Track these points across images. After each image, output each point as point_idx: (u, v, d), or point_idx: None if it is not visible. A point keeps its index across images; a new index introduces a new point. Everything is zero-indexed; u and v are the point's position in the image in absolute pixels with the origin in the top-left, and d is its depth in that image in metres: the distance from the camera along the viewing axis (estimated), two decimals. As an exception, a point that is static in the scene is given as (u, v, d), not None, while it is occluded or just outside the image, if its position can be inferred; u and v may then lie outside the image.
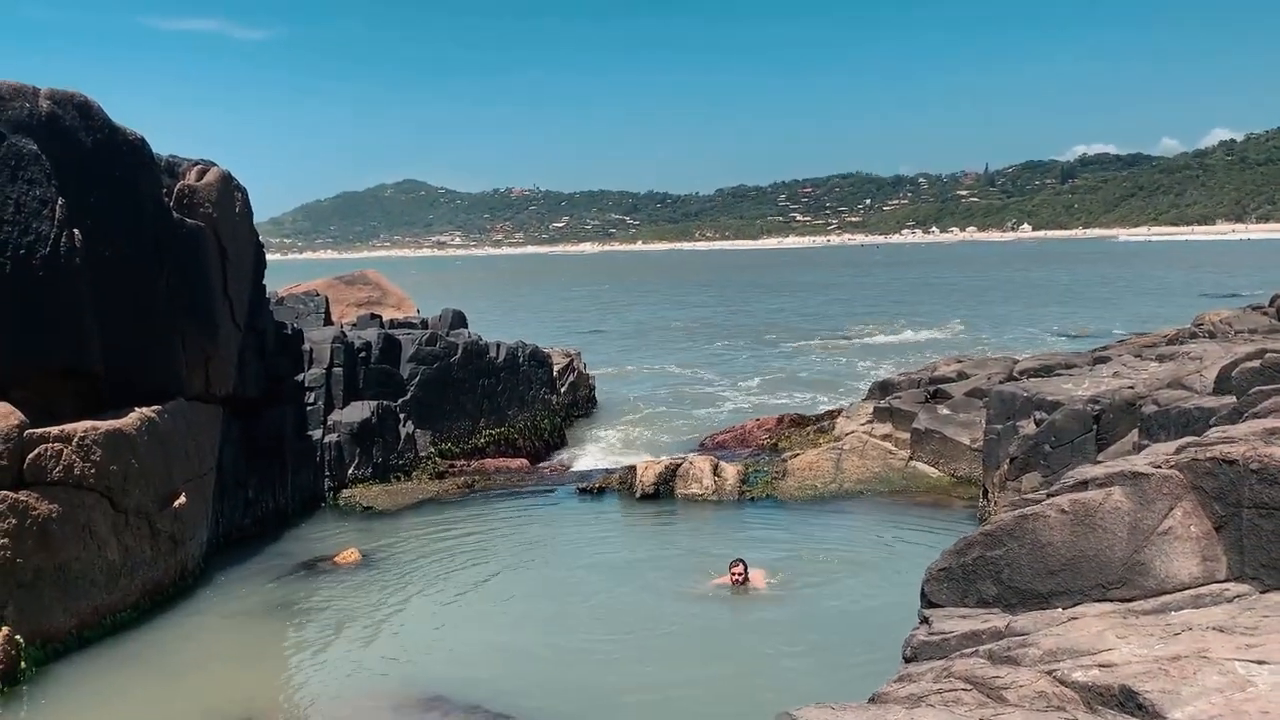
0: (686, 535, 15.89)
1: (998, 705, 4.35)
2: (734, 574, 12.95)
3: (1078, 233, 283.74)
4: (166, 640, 12.07)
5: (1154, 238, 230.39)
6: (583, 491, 18.83)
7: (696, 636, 11.56)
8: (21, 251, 11.81)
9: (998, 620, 6.12)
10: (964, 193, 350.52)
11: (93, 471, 12.05)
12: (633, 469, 18.76)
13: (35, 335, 11.98)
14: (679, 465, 18.58)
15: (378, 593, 13.51)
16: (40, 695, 10.65)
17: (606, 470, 20.06)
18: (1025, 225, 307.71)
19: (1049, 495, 6.68)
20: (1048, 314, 56.31)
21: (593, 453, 24.21)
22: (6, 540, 10.96)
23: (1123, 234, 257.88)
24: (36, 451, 11.48)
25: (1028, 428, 15.19)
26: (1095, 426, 14.29)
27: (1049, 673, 4.65)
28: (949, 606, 6.75)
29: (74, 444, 11.91)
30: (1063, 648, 4.94)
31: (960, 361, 23.61)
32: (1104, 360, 19.40)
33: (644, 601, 12.73)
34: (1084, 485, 6.44)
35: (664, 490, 18.15)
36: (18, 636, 10.97)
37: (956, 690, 4.64)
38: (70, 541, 11.73)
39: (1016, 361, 22.19)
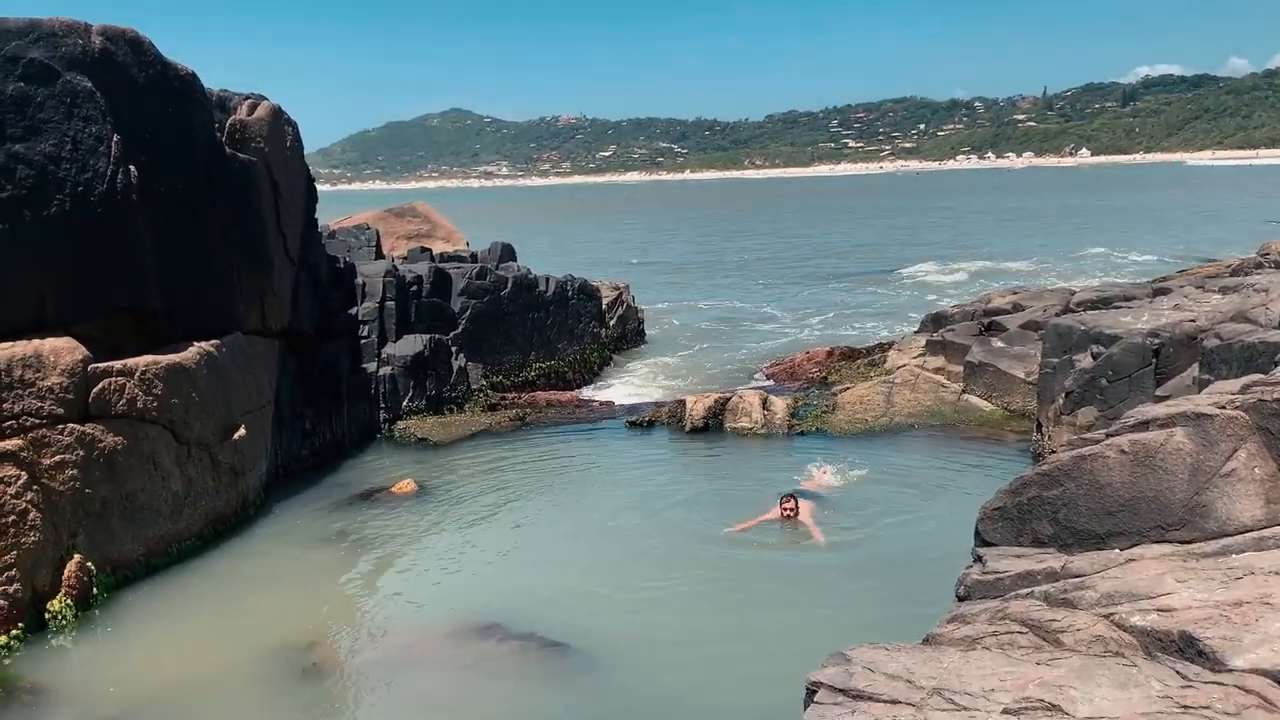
0: (736, 469, 15.95)
1: (1054, 649, 4.34)
2: (785, 508, 13.00)
3: (1138, 158, 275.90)
4: (230, 568, 12.44)
5: (1219, 162, 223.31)
6: (632, 425, 18.94)
7: (747, 571, 11.65)
8: (80, 189, 11.96)
9: (1053, 560, 6.08)
10: (1021, 117, 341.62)
11: (155, 405, 12.34)
12: (682, 403, 18.81)
13: (95, 272, 12.18)
14: (728, 399, 18.59)
15: (433, 523, 13.78)
16: (112, 619, 11.06)
17: (656, 404, 20.13)
18: (1084, 150, 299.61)
19: (1108, 435, 6.58)
20: (1106, 242, 55.02)
21: (641, 386, 24.26)
22: (75, 472, 11.30)
23: (1187, 158, 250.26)
24: (101, 385, 11.77)
25: (1084, 361, 14.95)
26: (1154, 361, 14.03)
27: (1106, 616, 4.63)
28: (1003, 545, 6.72)
29: (136, 378, 12.19)
30: (1121, 590, 4.91)
31: (1015, 294, 23.23)
32: (1164, 292, 18.98)
33: (694, 534, 12.83)
34: (1145, 425, 6.33)
35: (713, 424, 18.20)
36: (89, 564, 11.37)
37: (1012, 632, 4.64)
38: (136, 473, 12.06)
39: (1073, 293, 21.78)
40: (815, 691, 4.32)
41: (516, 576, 11.94)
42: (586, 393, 22.95)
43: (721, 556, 12.09)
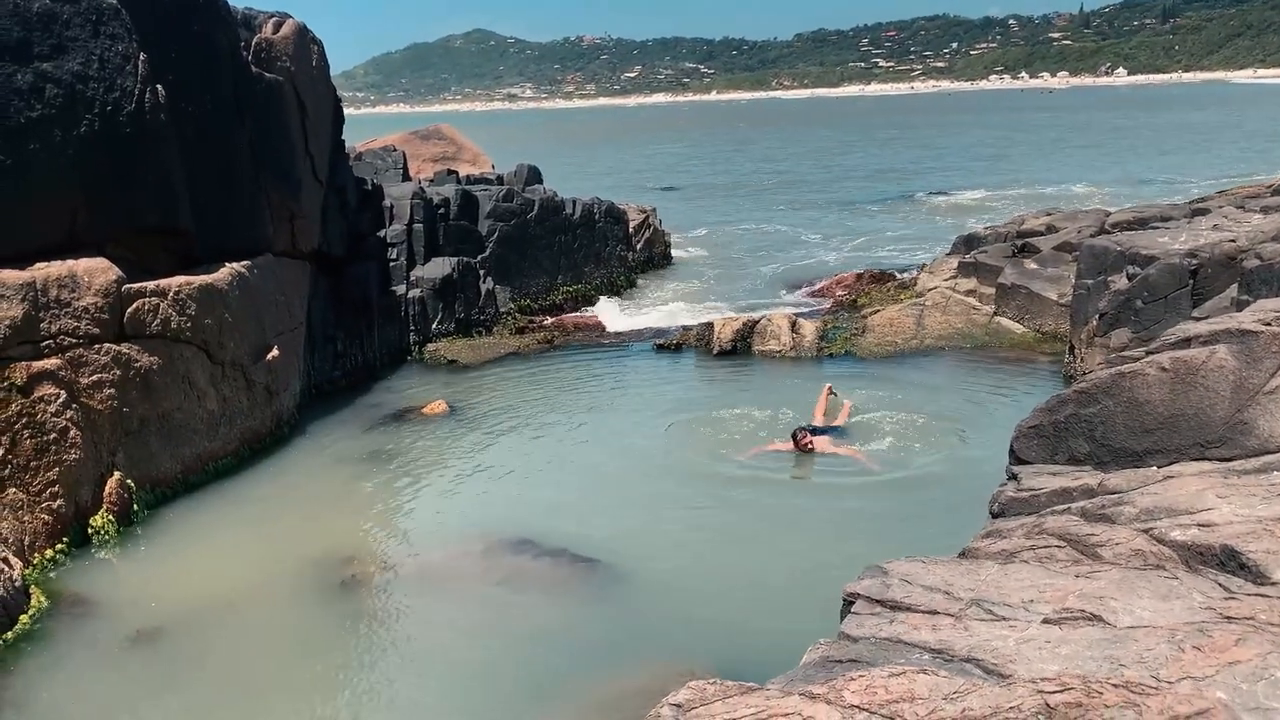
0: (765, 391, 15.94)
1: (1093, 562, 4.34)
2: (802, 443, 12.68)
3: (1177, 76, 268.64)
4: (266, 486, 12.64)
5: (1262, 80, 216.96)
6: (660, 348, 18.94)
7: (776, 492, 11.71)
8: (108, 108, 11.92)
9: (1089, 478, 6.06)
10: (1056, 35, 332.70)
11: (189, 325, 12.44)
12: (710, 326, 18.76)
13: (127, 192, 12.19)
14: (756, 322, 18.52)
15: (464, 442, 13.92)
16: (152, 535, 11.31)
17: (684, 327, 20.09)
18: (1121, 69, 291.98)
19: (1148, 353, 6.51)
20: (1143, 163, 53.91)
21: (668, 309, 24.18)
22: (113, 390, 11.45)
23: (1229, 76, 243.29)
24: (135, 306, 11.86)
25: (1119, 282, 14.75)
26: (1191, 281, 13.81)
27: (1146, 531, 4.62)
28: (1038, 463, 6.71)
29: (169, 298, 12.27)
30: (1160, 506, 4.88)
31: (1049, 215, 22.86)
32: (1203, 212, 18.62)
33: (722, 455, 12.88)
34: (1186, 343, 6.25)
35: (741, 347, 18.16)
36: (129, 481, 11.59)
37: (1050, 546, 4.64)
38: (172, 392, 12.21)
39: (1108, 214, 21.42)
40: (852, 603, 4.35)
41: (547, 495, 12.07)
42: (613, 315, 22.87)
43: (751, 478, 12.16)
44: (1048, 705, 2.42)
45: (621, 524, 11.02)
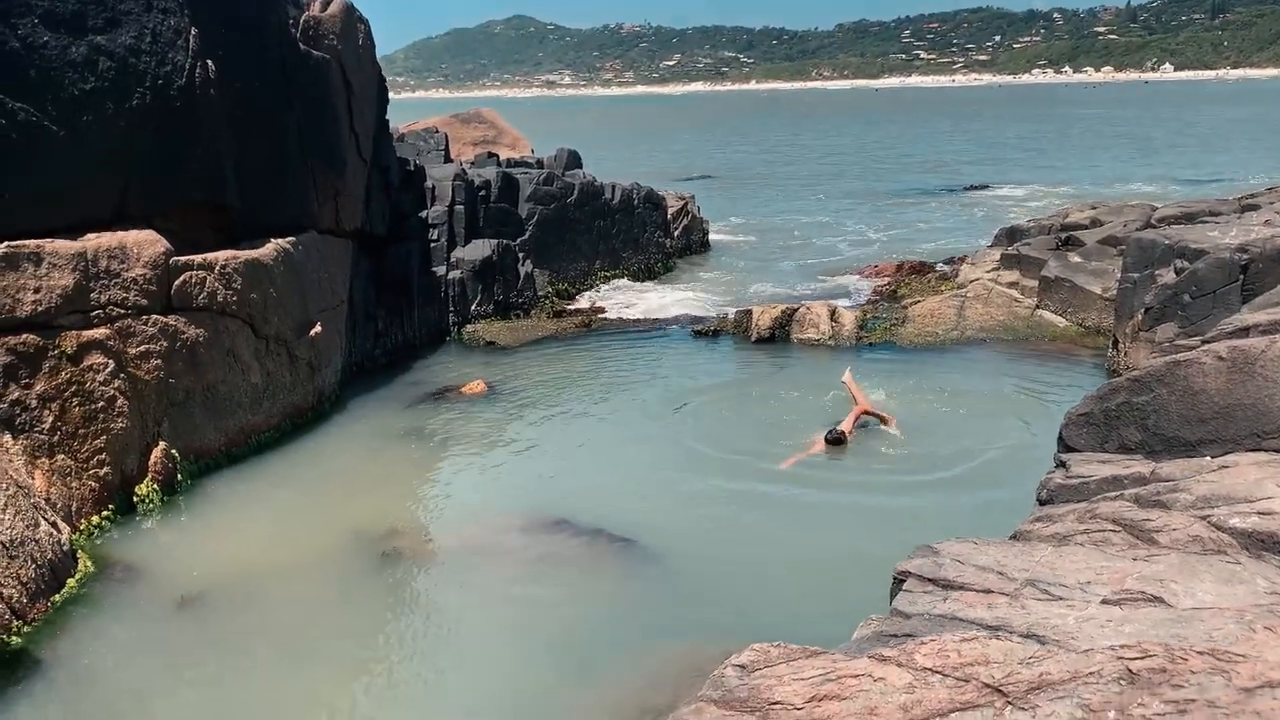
0: (803, 378, 15.88)
1: (1150, 547, 4.29)
2: (840, 434, 12.41)
3: (1224, 73, 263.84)
4: (308, 459, 12.77)
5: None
6: (698, 334, 18.91)
7: (814, 478, 11.67)
8: (159, 82, 12.04)
9: (1141, 466, 5.99)
10: (1102, 29, 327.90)
11: (234, 299, 12.57)
12: (748, 312, 18.71)
13: (175, 166, 12.33)
14: (795, 310, 18.45)
15: (503, 422, 13.98)
16: (196, 505, 11.46)
17: (724, 310, 20.05)
18: (1167, 65, 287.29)
19: (1204, 342, 6.42)
20: (1189, 159, 53.07)
21: (706, 296, 24.12)
22: (160, 361, 11.60)
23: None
24: (182, 278, 12.00)
25: (1167, 276, 14.53)
26: (1242, 277, 13.57)
27: (1203, 518, 4.56)
28: (1088, 451, 6.64)
29: (216, 272, 12.40)
30: (1217, 494, 4.82)
31: (1094, 208, 22.58)
32: (1253, 208, 18.31)
33: (760, 439, 12.85)
34: (1244, 331, 6.16)
35: (780, 334, 18.10)
36: (174, 451, 11.75)
37: (1104, 530, 4.59)
38: (216, 364, 12.36)
39: (1155, 209, 21.11)
40: (903, 581, 4.33)
41: (584, 475, 12.11)
42: (648, 301, 22.83)
43: (784, 456, 12.11)
44: (1130, 670, 2.40)
45: (658, 506, 11.03)
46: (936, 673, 2.63)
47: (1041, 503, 6.32)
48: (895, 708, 2.52)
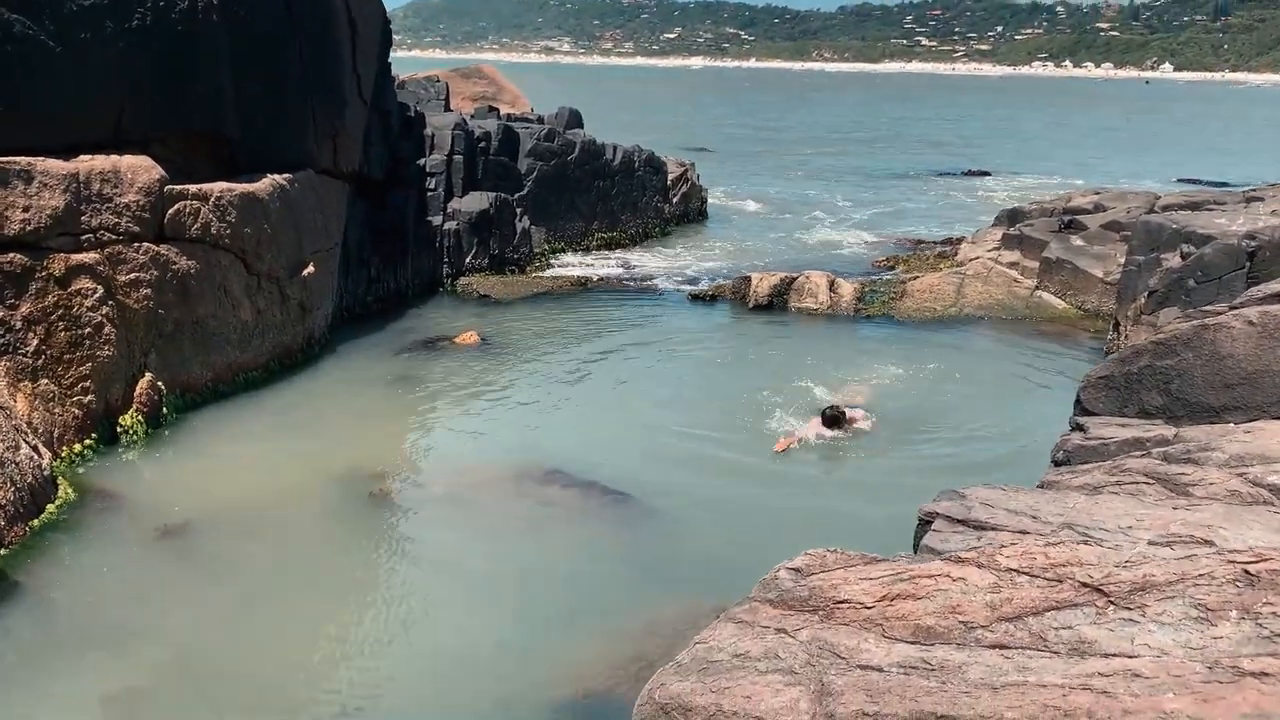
0: (798, 346, 15.71)
1: (1187, 499, 4.13)
2: (846, 420, 11.71)
3: (1223, 75, 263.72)
4: (296, 400, 12.53)
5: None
6: (694, 298, 18.72)
7: (812, 447, 11.52)
8: (161, 3, 11.69)
9: (1163, 430, 5.84)
10: (1104, 25, 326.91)
11: (228, 232, 12.28)
12: (747, 279, 18.50)
13: (174, 91, 12.00)
14: (794, 279, 18.25)
15: (496, 373, 13.77)
16: (180, 439, 11.22)
17: (720, 278, 19.84)
18: (1166, 65, 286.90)
19: (1232, 307, 6.26)
20: (1187, 158, 52.97)
21: (701, 263, 23.87)
22: (149, 291, 11.33)
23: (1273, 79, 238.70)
24: (176, 207, 11.70)
25: (1172, 261, 14.40)
26: (1248, 264, 13.46)
27: (1239, 475, 4.40)
28: (1106, 415, 6.48)
29: (210, 203, 12.10)
30: (1251, 453, 4.67)
31: (1097, 194, 22.42)
32: (1258, 200, 18.20)
33: (752, 403, 12.66)
34: (1275, 297, 6.00)
35: (777, 302, 17.91)
36: (160, 383, 11.50)
37: (1137, 483, 4.43)
38: (207, 298, 12.09)
39: (1159, 197, 20.99)
40: (929, 522, 4.16)
41: (577, 429, 11.92)
42: (645, 264, 22.59)
43: (782, 428, 11.95)
44: (1246, 573, 2.25)
45: (651, 463, 10.86)
46: (1024, 573, 2.47)
47: (1057, 463, 6.16)
48: (981, 606, 2.36)
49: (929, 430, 11.90)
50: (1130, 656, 2.04)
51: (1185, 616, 2.24)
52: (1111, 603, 2.33)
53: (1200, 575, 2.34)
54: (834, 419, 11.66)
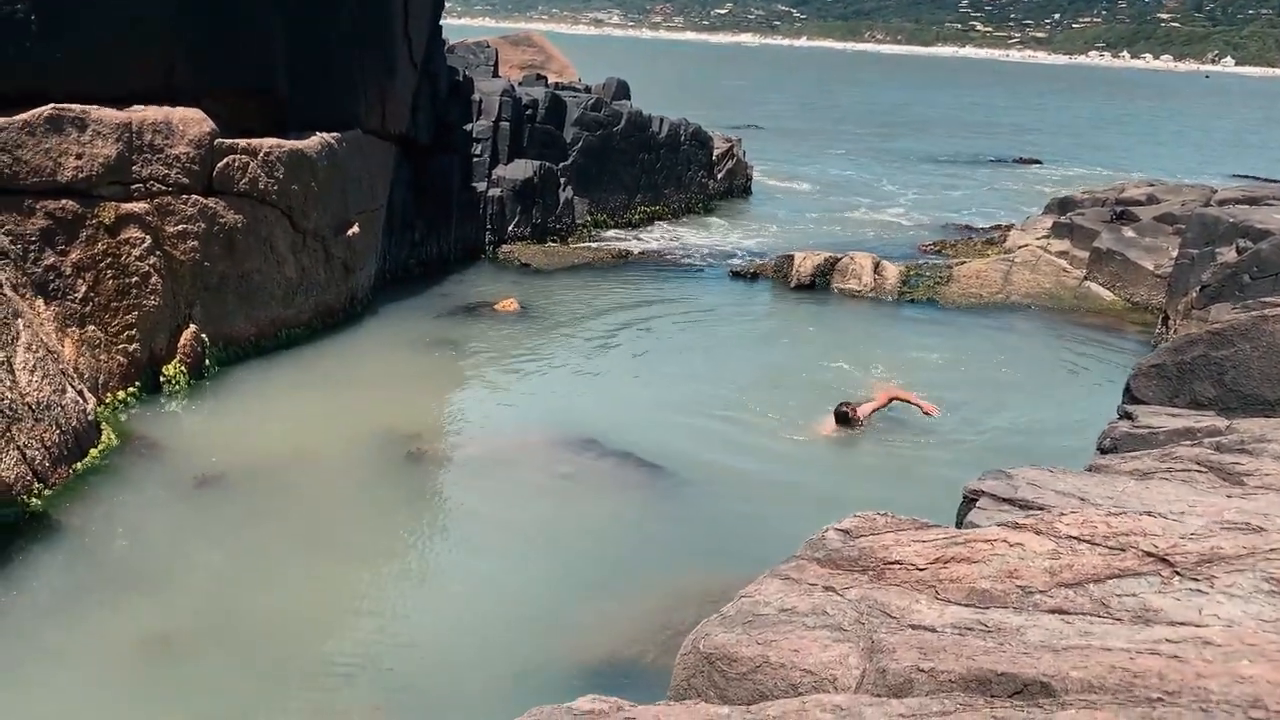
0: (840, 327, 15.58)
1: (1242, 488, 4.03)
2: (852, 417, 10.96)
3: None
4: (336, 358, 12.61)
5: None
6: (735, 275, 18.61)
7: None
8: (217, -43, 11.72)
9: (1215, 421, 5.72)
10: (1165, 16, 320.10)
11: (275, 188, 12.34)
12: (790, 258, 18.34)
13: (226, 47, 12.03)
14: (838, 259, 18.08)
15: (535, 341, 13.78)
16: (222, 390, 11.34)
17: (762, 256, 19.71)
18: (1228, 58, 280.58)
19: (1293, 299, 6.09)
20: (1246, 154, 51.85)
21: (744, 242, 23.71)
22: (196, 243, 11.42)
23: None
24: (225, 161, 11.77)
25: (1228, 255, 14.09)
26: (1307, 262, 13.15)
27: (1296, 467, 4.29)
28: (1156, 405, 6.36)
29: (259, 158, 12.16)
30: (1309, 446, 4.54)
31: (1151, 185, 22.01)
32: (1320, 197, 17.77)
33: (794, 382, 12.59)
34: (1340, 291, 5.82)
35: (820, 283, 17.75)
36: (203, 335, 11.61)
37: (1189, 470, 4.33)
38: (253, 253, 12.17)
39: (1215, 191, 20.54)
40: (974, 500, 4.09)
41: (614, 400, 11.91)
42: (687, 239, 22.48)
43: (820, 407, 11.84)
44: None
45: (688, 437, 10.81)
46: (1084, 541, 2.41)
47: (1103, 451, 6.05)
48: (1040, 571, 2.30)
49: (971, 417, 11.76)
50: (1199, 626, 1.97)
51: (1256, 590, 2.16)
52: (1177, 573, 2.26)
53: (1271, 550, 2.27)
54: (843, 416, 10.94)
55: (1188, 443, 5.30)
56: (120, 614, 7.19)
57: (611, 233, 21.66)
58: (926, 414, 11.32)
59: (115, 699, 6.40)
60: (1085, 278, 17.76)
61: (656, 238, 21.83)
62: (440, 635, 7.13)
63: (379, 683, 6.54)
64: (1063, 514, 2.62)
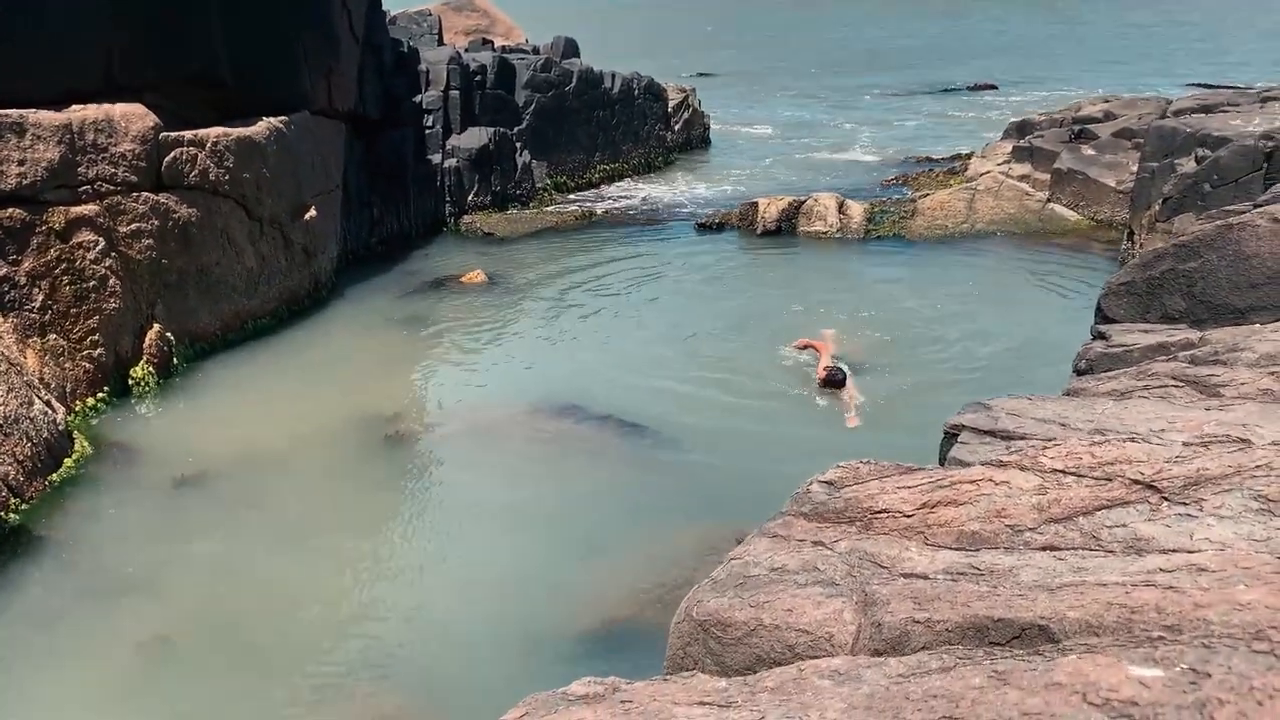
0: (808, 271, 15.55)
1: (1219, 400, 4.03)
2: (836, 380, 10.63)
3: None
4: (306, 345, 12.48)
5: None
6: (701, 227, 18.50)
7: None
8: (143, -55, 11.40)
9: (1188, 334, 5.73)
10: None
11: (226, 177, 12.12)
12: (754, 205, 18.26)
13: (165, 37, 11.76)
14: (802, 202, 18.02)
15: (505, 311, 13.67)
16: (192, 388, 11.20)
17: (727, 205, 19.60)
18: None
19: (1256, 206, 6.11)
20: (1197, 62, 51.94)
21: (706, 191, 23.59)
22: (151, 241, 11.22)
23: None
24: (173, 154, 11.54)
25: (1187, 165, 14.15)
26: (1265, 165, 13.21)
27: (1271, 374, 4.30)
28: (1127, 322, 6.37)
29: (207, 149, 11.93)
30: (1281, 352, 4.55)
31: (1107, 101, 22.00)
32: (1274, 99, 17.81)
33: (766, 332, 12.57)
34: (1302, 194, 5.83)
35: (786, 227, 17.70)
36: (168, 334, 11.44)
37: (1165, 386, 4.33)
38: (210, 245, 11.97)
39: (1170, 102, 20.56)
40: (955, 435, 4.07)
41: (590, 365, 11.84)
42: (650, 195, 22.33)
43: (794, 358, 11.85)
44: None
45: (665, 394, 10.79)
46: (1070, 474, 2.40)
47: (1079, 373, 6.06)
48: (1028, 508, 2.28)
49: (945, 350, 11.80)
50: (1191, 552, 1.96)
51: (1245, 509, 2.15)
52: (1165, 499, 2.25)
53: (1258, 467, 2.26)
54: (831, 382, 10.62)
55: (1163, 358, 5.31)
56: (111, 619, 7.13)
57: (573, 195, 21.46)
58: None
59: (113, 703, 6.36)
60: (1048, 200, 17.79)
61: (619, 196, 21.66)
62: (435, 614, 7.12)
63: (378, 666, 6.53)
64: (1046, 447, 2.60)
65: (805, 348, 11.80)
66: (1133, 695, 1.36)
